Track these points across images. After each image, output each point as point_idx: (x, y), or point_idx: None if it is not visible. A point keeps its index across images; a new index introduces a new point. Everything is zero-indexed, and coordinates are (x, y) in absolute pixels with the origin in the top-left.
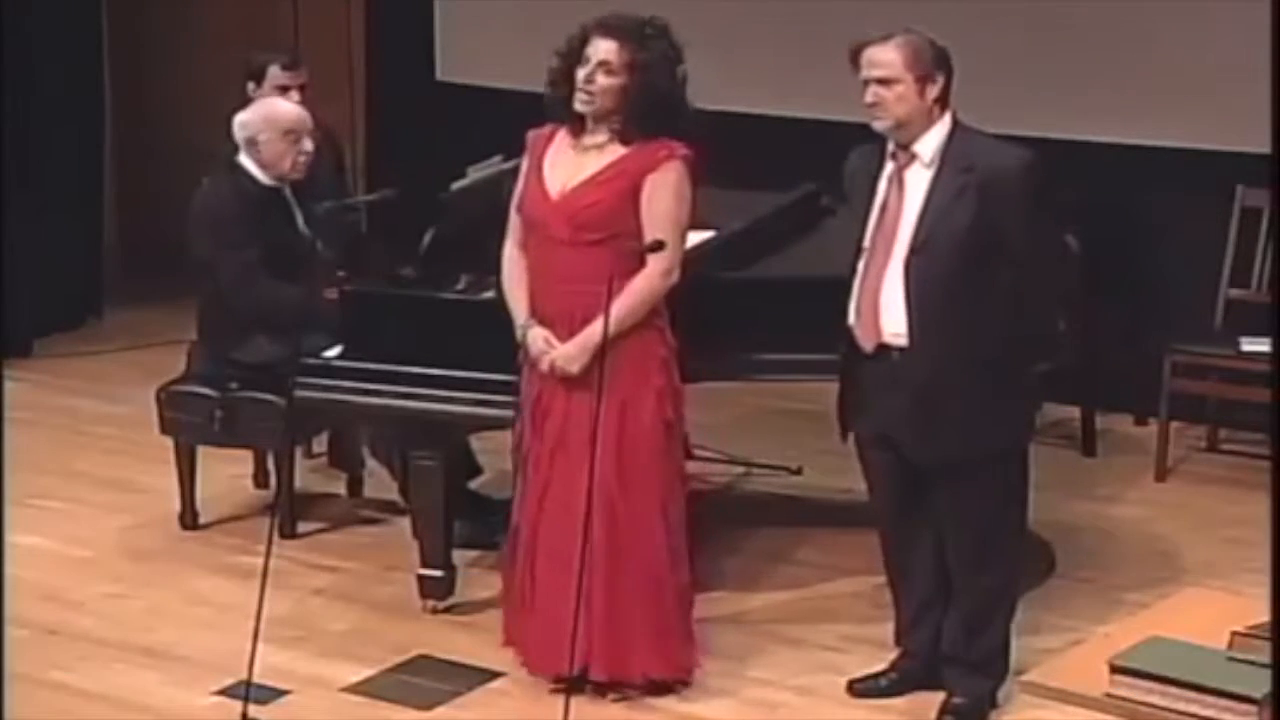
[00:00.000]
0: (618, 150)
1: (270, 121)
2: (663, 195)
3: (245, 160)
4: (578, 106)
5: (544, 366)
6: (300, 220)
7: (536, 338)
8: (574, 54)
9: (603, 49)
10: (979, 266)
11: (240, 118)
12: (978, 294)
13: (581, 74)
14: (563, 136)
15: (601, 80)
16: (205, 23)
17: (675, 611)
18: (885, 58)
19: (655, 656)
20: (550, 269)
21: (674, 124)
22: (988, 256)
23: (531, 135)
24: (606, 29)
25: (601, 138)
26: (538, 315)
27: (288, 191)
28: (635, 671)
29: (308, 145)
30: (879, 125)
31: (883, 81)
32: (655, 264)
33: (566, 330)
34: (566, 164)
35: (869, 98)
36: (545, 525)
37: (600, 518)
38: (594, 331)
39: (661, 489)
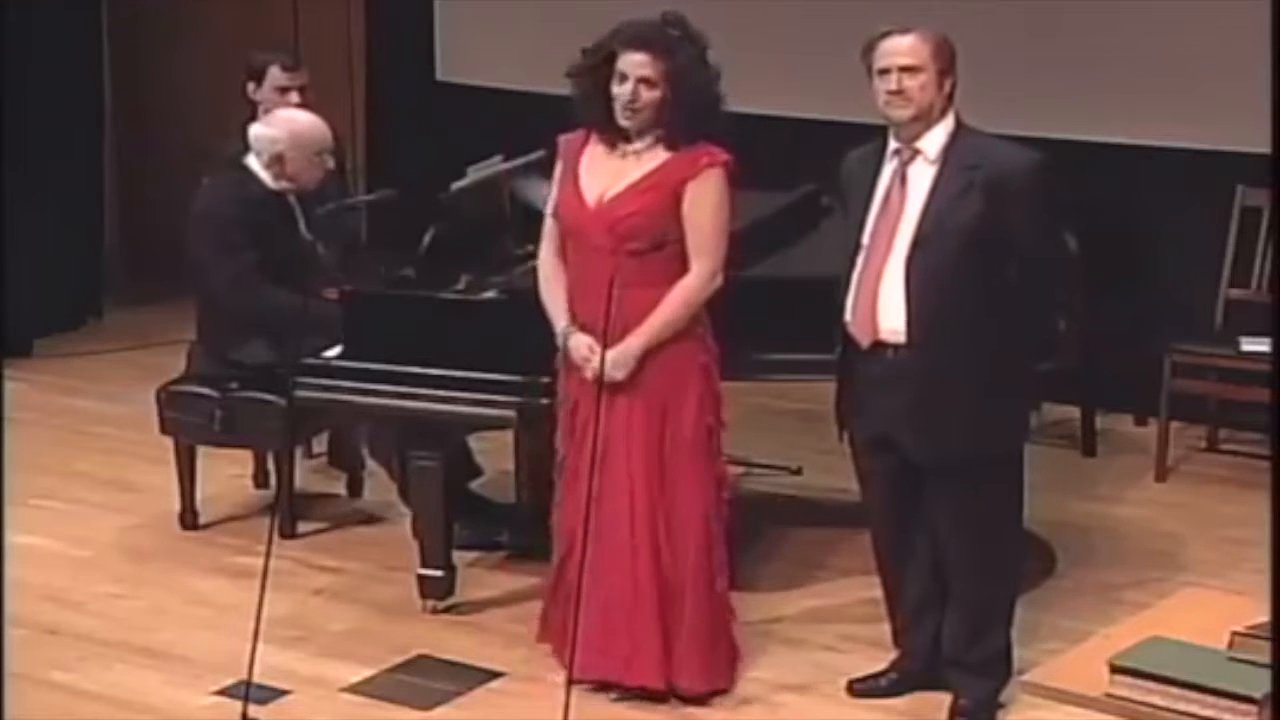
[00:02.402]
0: (659, 156)
1: (298, 140)
2: (704, 204)
3: (253, 164)
4: (623, 123)
5: (588, 374)
6: (303, 224)
7: (580, 345)
8: (600, 69)
9: (638, 63)
10: (981, 263)
11: (266, 133)
12: (979, 291)
13: (624, 90)
14: (597, 141)
15: (645, 95)
16: (205, 23)
17: (719, 620)
18: (912, 46)
19: (697, 667)
20: (591, 275)
21: (715, 121)
22: (990, 253)
23: (563, 140)
24: (633, 42)
25: (642, 145)
26: (579, 322)
27: (291, 195)
28: (678, 680)
29: (330, 162)
30: (899, 114)
31: (907, 69)
32: (697, 270)
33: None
34: (604, 171)
35: (892, 84)
36: (593, 535)
37: (642, 525)
38: (635, 339)
39: (702, 495)
